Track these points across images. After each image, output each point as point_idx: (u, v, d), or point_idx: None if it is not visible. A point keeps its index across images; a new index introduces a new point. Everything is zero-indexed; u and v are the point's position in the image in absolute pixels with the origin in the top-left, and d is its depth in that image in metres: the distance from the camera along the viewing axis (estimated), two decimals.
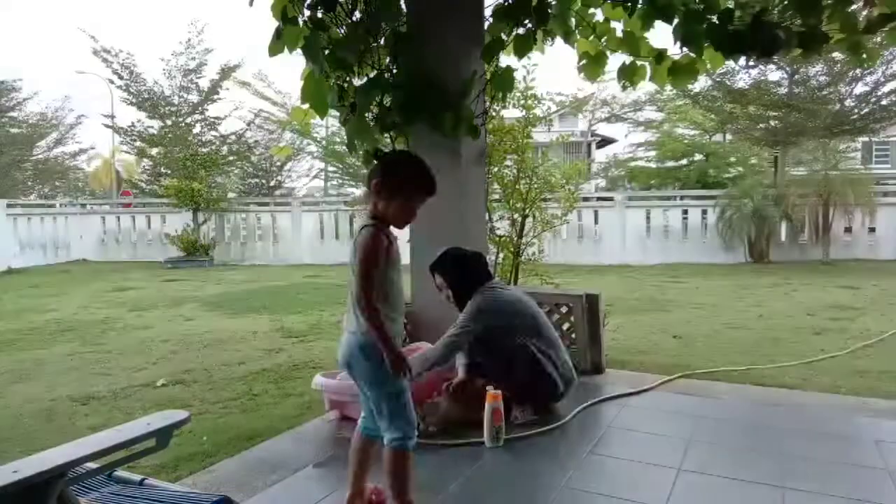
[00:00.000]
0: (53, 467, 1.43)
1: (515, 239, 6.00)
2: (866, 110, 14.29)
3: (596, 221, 13.89)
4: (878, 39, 4.66)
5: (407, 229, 2.65)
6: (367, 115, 3.49)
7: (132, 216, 16.53)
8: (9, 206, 14.37)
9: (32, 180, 23.38)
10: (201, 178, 15.23)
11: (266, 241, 15.50)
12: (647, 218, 13.96)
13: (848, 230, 13.13)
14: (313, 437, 3.37)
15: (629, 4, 3.49)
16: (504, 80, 3.66)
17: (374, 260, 2.18)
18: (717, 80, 14.28)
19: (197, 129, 17.28)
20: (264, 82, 20.04)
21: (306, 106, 3.57)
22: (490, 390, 3.11)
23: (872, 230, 13.03)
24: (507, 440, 3.11)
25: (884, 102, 14.06)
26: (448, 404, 3.35)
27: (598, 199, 14.87)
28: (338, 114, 3.72)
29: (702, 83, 14.59)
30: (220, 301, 8.72)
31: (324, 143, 21.12)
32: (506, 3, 3.34)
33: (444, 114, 3.33)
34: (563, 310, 4.50)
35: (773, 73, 14.41)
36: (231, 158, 18.47)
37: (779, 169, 14.85)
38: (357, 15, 3.50)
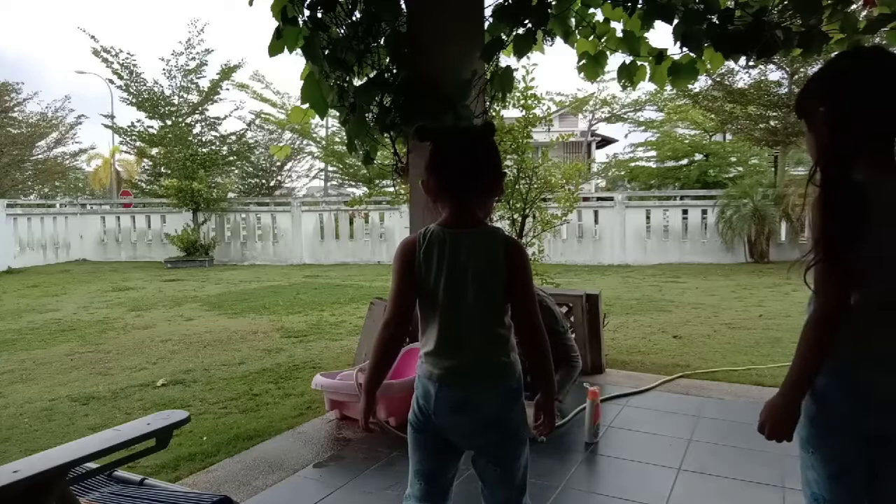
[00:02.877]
0: (53, 467, 1.43)
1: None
2: None
3: (596, 221, 13.90)
4: (878, 39, 4.66)
5: (407, 231, 2.62)
6: (367, 115, 3.49)
7: (132, 216, 16.54)
8: (9, 206, 14.37)
9: (32, 180, 23.33)
10: (201, 178, 15.22)
11: (266, 241, 15.50)
12: (647, 218, 13.97)
13: None
14: (313, 437, 3.37)
15: (629, 4, 3.49)
16: (504, 80, 3.65)
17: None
18: (717, 80, 14.27)
19: (197, 130, 17.24)
20: (262, 83, 20.05)
21: (306, 106, 3.57)
22: None
23: None
24: None
25: None
26: None
27: (598, 199, 14.87)
28: (338, 114, 3.72)
29: (702, 83, 14.59)
30: (220, 301, 8.72)
31: (324, 143, 21.12)
32: (506, 3, 3.34)
33: (443, 114, 3.32)
34: (564, 310, 4.50)
35: (773, 73, 14.42)
36: (231, 158, 18.44)
37: (779, 169, 14.84)
38: (357, 15, 3.50)
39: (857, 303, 1.38)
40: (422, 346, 1.70)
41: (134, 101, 16.45)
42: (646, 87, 20.69)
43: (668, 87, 4.33)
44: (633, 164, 23.95)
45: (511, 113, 6.25)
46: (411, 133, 1.73)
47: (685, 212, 14.03)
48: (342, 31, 3.49)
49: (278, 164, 21.80)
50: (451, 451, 1.73)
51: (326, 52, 3.39)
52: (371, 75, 3.52)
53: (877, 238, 1.36)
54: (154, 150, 18.05)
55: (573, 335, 4.44)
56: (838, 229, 1.35)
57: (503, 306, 1.67)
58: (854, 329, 1.38)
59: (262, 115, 19.83)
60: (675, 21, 3.26)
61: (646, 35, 3.76)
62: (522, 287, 1.67)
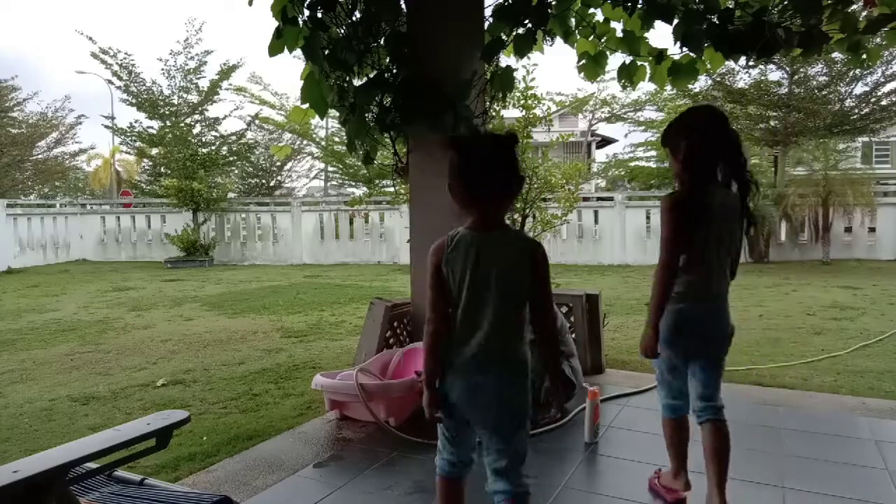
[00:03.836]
0: (54, 467, 1.43)
1: None
2: (866, 110, 14.27)
3: (596, 221, 13.89)
4: (878, 39, 4.66)
5: (407, 231, 2.70)
6: (367, 115, 3.49)
7: (132, 216, 16.53)
8: (9, 206, 14.36)
9: (32, 180, 23.32)
10: (201, 178, 15.21)
11: (266, 241, 15.50)
12: (647, 218, 13.95)
13: (848, 230, 13.13)
14: (313, 437, 3.37)
15: (629, 4, 3.49)
16: (504, 80, 3.66)
17: None
18: (717, 80, 14.26)
19: (197, 130, 17.24)
20: (260, 85, 20.02)
21: (306, 106, 3.57)
22: None
23: (872, 230, 13.03)
24: None
25: (884, 102, 14.05)
26: None
27: (598, 199, 14.87)
28: (338, 114, 3.72)
29: (702, 83, 14.56)
30: (220, 301, 8.72)
31: (324, 143, 21.11)
32: (506, 3, 3.34)
33: (443, 114, 3.32)
34: (564, 310, 4.50)
35: (773, 73, 14.39)
36: (231, 158, 18.43)
37: (779, 169, 14.83)
38: (357, 15, 3.50)
39: (684, 265, 2.31)
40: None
41: (134, 101, 16.45)
42: (646, 87, 20.68)
43: (668, 87, 4.33)
44: (633, 164, 23.93)
45: (511, 113, 6.25)
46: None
47: None
48: (342, 31, 3.49)
49: (278, 164, 21.79)
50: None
51: (326, 52, 3.39)
52: (371, 75, 3.52)
53: (709, 227, 2.29)
54: (154, 151, 18.04)
55: (573, 335, 4.45)
56: (691, 219, 2.26)
57: (524, 304, 1.84)
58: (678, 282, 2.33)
59: (261, 118, 19.79)
60: (675, 21, 3.26)
61: (646, 35, 3.76)
62: (543, 290, 1.85)
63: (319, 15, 3.37)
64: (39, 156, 22.08)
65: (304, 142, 21.13)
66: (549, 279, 1.86)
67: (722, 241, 2.33)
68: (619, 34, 3.84)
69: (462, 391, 1.84)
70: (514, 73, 3.73)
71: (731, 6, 3.36)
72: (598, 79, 4.31)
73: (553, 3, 3.57)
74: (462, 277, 1.82)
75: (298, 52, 3.39)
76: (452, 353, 1.86)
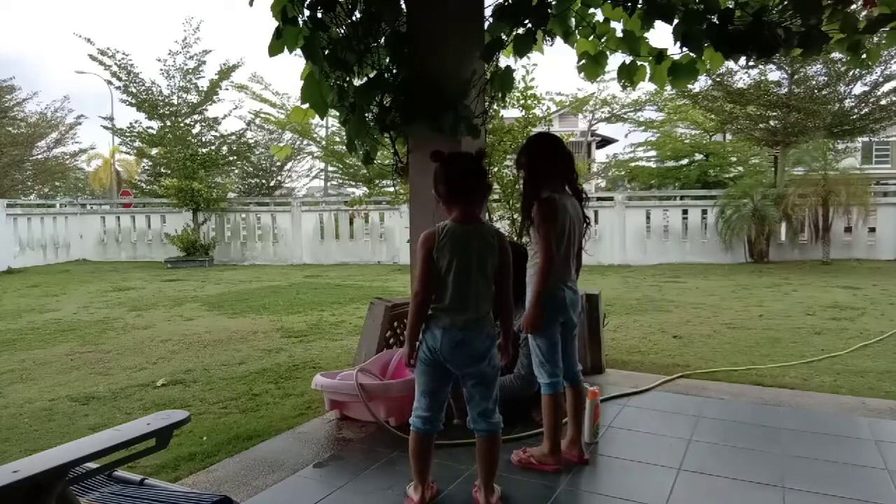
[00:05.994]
0: (53, 467, 1.43)
1: (515, 239, 6.00)
2: (866, 110, 14.27)
3: (596, 221, 13.85)
4: (878, 39, 4.66)
5: (407, 231, 2.84)
6: (367, 115, 3.48)
7: (132, 216, 16.53)
8: (9, 206, 14.35)
9: (32, 180, 23.30)
10: (201, 178, 15.20)
11: (266, 241, 15.50)
12: (647, 218, 13.96)
13: (848, 230, 13.13)
14: (313, 437, 3.37)
15: (629, 4, 3.49)
16: (504, 80, 3.65)
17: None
18: (717, 80, 14.25)
19: (196, 130, 17.20)
20: (261, 84, 19.99)
21: (306, 106, 3.57)
22: None
23: (872, 230, 13.03)
24: (507, 441, 3.11)
25: (883, 102, 14.05)
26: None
27: (598, 199, 14.86)
28: (338, 114, 3.72)
29: (702, 83, 14.56)
30: (220, 301, 8.72)
31: (324, 143, 21.10)
32: (506, 3, 3.33)
33: (443, 114, 3.32)
34: None
35: (773, 73, 14.39)
36: (231, 158, 18.39)
37: (779, 169, 14.83)
38: (357, 15, 3.50)
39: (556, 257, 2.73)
40: (434, 302, 2.37)
41: (133, 101, 16.43)
42: (646, 87, 20.68)
43: (668, 87, 4.33)
44: (633, 164, 23.93)
45: (511, 113, 6.26)
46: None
47: (685, 212, 14.02)
48: (342, 31, 3.49)
49: (278, 164, 21.77)
50: (448, 376, 2.43)
51: (326, 52, 3.39)
52: (371, 75, 3.52)
53: (562, 224, 2.75)
54: (154, 151, 18.02)
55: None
56: (552, 217, 2.70)
57: (492, 279, 2.39)
58: (555, 270, 2.72)
59: (262, 115, 19.78)
60: (675, 21, 3.26)
61: (646, 35, 3.76)
62: (506, 268, 2.42)
63: (319, 15, 3.37)
64: (39, 156, 22.08)
65: (305, 142, 21.11)
66: (510, 259, 2.42)
67: (573, 236, 2.84)
68: (619, 34, 3.84)
69: (451, 345, 2.33)
70: (514, 73, 3.73)
71: (731, 6, 3.36)
72: (598, 79, 4.31)
73: (553, 3, 3.57)
74: (451, 260, 2.33)
75: (298, 51, 3.39)
76: (446, 318, 2.34)
